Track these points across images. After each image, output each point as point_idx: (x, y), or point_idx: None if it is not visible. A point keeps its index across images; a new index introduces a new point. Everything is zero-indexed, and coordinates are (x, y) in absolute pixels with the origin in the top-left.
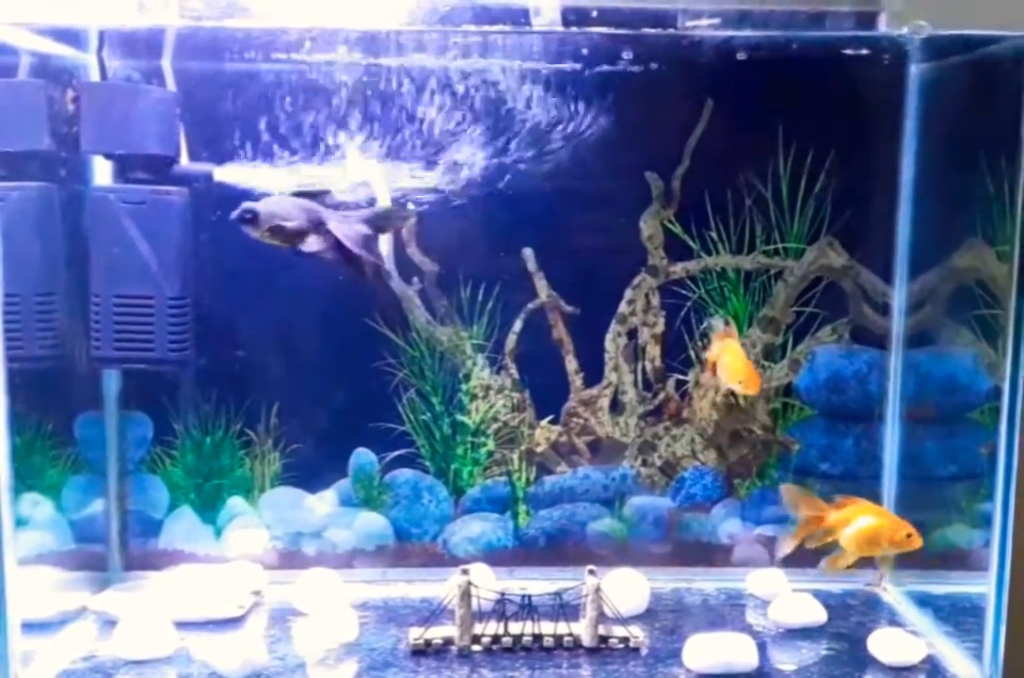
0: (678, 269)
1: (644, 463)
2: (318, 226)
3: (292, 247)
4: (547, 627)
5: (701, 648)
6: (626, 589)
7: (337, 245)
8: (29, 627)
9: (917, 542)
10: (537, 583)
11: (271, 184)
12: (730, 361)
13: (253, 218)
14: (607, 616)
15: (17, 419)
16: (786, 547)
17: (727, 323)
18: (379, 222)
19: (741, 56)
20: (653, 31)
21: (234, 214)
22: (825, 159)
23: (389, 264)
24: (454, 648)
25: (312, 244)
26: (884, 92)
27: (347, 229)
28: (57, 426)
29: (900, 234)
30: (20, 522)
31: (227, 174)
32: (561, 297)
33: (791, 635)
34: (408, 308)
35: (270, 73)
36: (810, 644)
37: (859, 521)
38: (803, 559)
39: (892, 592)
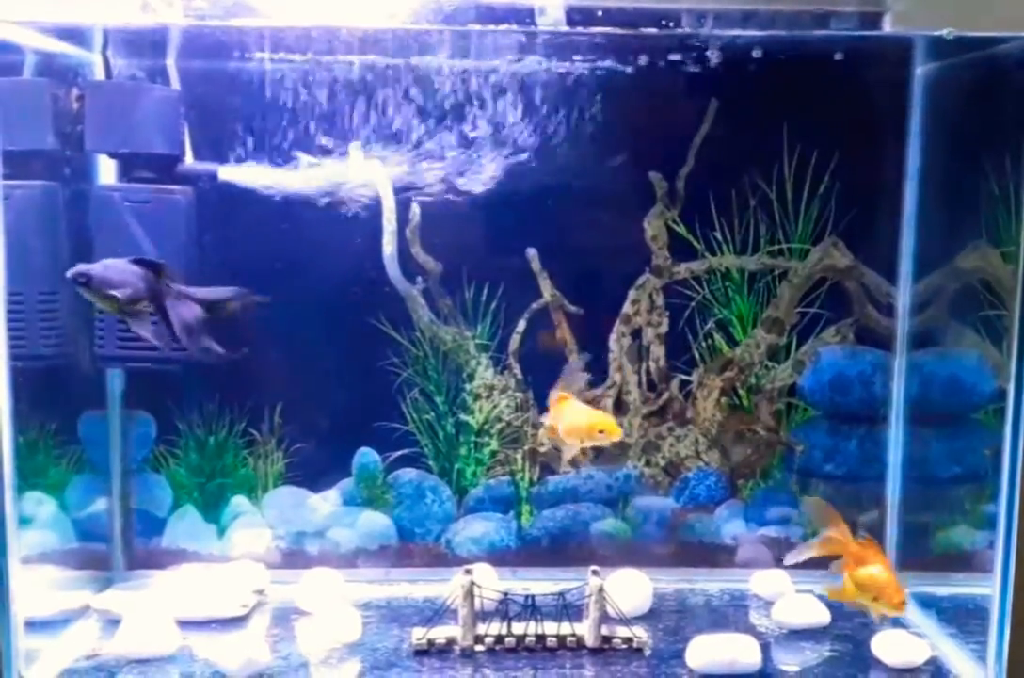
0: (682, 269)
1: (648, 463)
2: (153, 299)
3: (121, 316)
4: (550, 627)
5: (704, 649)
6: (629, 589)
7: (166, 324)
8: (32, 626)
9: (901, 611)
10: (540, 583)
11: (275, 183)
12: (580, 417)
13: (87, 282)
14: (610, 616)
15: (21, 418)
16: (799, 557)
17: (562, 389)
18: (217, 304)
19: (745, 56)
20: (657, 31)
21: (68, 274)
22: (830, 159)
23: (392, 264)
24: (457, 648)
25: (139, 323)
26: (889, 92)
27: (182, 310)
28: (61, 425)
29: (905, 235)
30: (24, 521)
31: (232, 173)
32: (565, 297)
33: (794, 636)
34: (412, 307)
35: (275, 72)
36: (813, 645)
37: (869, 568)
38: (806, 561)
39: None
